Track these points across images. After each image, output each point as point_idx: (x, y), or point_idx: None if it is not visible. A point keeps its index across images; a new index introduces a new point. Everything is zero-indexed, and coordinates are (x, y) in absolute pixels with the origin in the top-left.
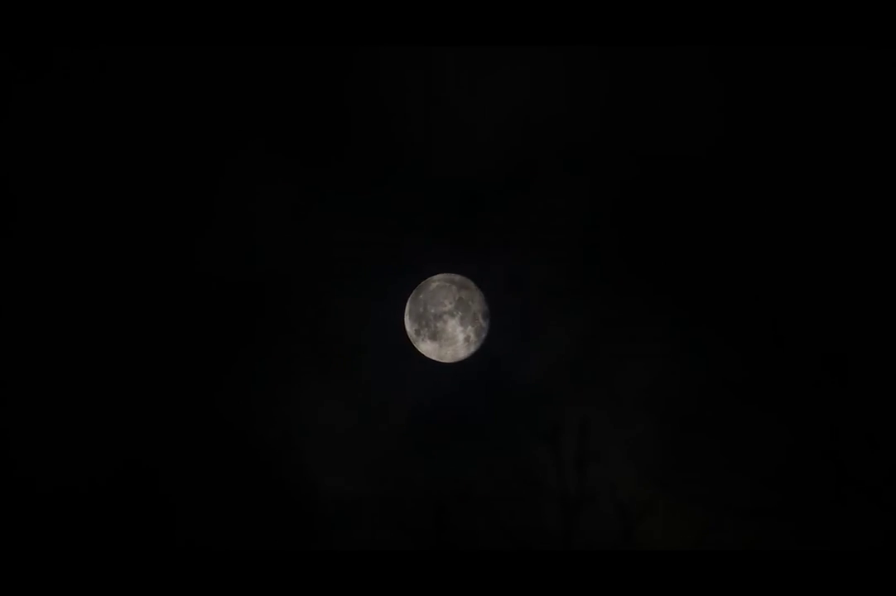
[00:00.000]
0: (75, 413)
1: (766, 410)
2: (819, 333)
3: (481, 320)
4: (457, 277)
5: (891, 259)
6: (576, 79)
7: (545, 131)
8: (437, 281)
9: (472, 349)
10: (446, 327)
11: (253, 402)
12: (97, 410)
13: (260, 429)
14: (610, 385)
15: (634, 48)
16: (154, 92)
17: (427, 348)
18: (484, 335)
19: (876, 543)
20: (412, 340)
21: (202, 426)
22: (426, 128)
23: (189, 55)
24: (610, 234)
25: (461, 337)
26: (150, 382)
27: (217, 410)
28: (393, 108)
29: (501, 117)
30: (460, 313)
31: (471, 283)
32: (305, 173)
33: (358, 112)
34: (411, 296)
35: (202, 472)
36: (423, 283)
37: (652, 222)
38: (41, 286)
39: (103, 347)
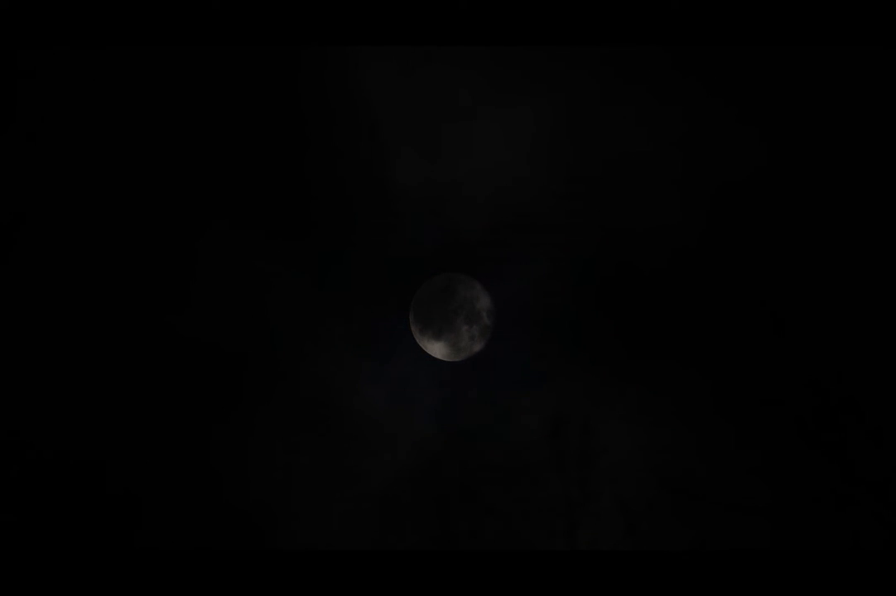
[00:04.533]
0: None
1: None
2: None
3: (486, 318)
4: (462, 276)
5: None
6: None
7: (516, 211)
8: (441, 280)
9: (477, 348)
10: (451, 326)
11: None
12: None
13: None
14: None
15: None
16: (134, 159)
17: (432, 347)
18: (489, 334)
19: (877, 543)
20: (417, 340)
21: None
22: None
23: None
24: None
25: (466, 335)
26: (140, 440)
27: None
28: (354, 187)
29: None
30: (465, 312)
31: (476, 283)
32: (272, 246)
33: (320, 188)
34: (415, 295)
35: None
36: (426, 282)
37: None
38: (33, 350)
39: (97, 413)
